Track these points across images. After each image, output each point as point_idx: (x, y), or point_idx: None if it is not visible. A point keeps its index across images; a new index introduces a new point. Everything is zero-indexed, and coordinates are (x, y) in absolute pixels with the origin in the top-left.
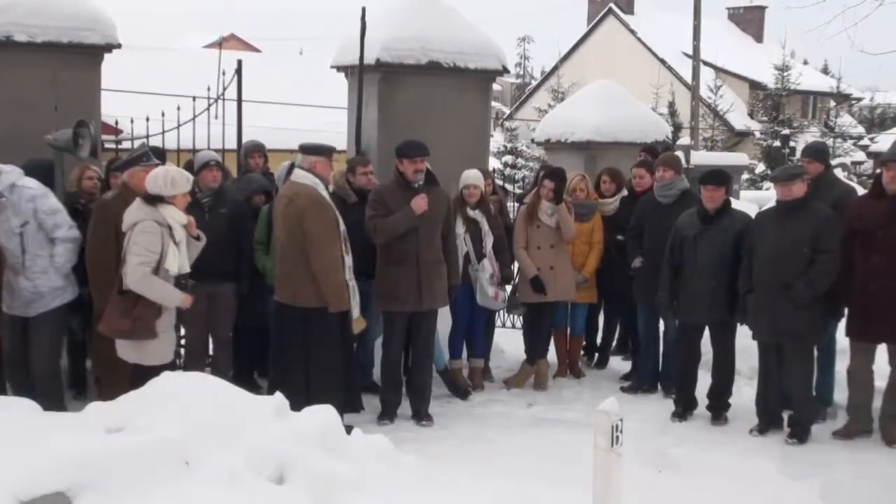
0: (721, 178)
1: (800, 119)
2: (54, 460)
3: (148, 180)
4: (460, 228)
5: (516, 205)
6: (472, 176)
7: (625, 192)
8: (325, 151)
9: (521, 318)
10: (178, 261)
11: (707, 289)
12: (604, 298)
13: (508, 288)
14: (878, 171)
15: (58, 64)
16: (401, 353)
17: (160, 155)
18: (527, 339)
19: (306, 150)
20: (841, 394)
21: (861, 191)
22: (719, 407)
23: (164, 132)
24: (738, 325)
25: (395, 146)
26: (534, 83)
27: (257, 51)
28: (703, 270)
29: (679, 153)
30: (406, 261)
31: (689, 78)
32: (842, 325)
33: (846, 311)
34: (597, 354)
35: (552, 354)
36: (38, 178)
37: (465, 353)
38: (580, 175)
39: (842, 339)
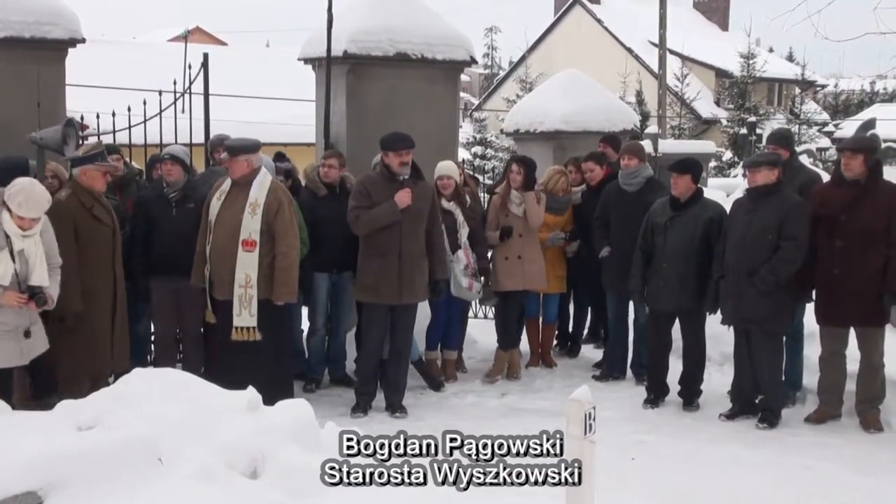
0: (684, 166)
1: (766, 106)
2: (25, 460)
3: None
4: None
5: (487, 195)
6: (444, 167)
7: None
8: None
9: (493, 308)
10: (8, 269)
11: (675, 276)
12: (573, 287)
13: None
14: (839, 157)
15: (20, 59)
16: (380, 345)
17: (114, 151)
18: (499, 328)
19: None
20: (810, 378)
21: (826, 177)
22: (690, 394)
23: (130, 127)
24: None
25: (365, 138)
26: (502, 73)
27: (223, 44)
28: (672, 257)
29: (647, 142)
30: (388, 253)
31: (655, 67)
32: (811, 311)
33: (814, 296)
34: (569, 343)
35: (524, 344)
36: (12, 176)
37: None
38: (560, 172)
39: (812, 324)
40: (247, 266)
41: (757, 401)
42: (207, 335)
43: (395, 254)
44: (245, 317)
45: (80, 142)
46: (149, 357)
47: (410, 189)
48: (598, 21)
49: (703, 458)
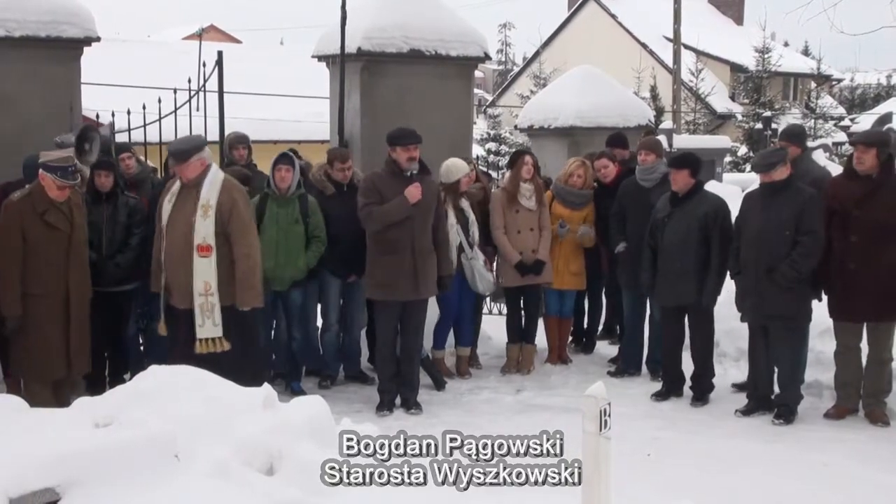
0: (681, 160)
1: (781, 101)
2: (43, 456)
3: None
4: (452, 218)
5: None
6: (462, 166)
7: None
8: None
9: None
10: None
11: (673, 270)
12: (588, 283)
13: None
14: (852, 151)
15: (36, 58)
16: (394, 343)
17: (125, 150)
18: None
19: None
20: (826, 373)
21: (836, 171)
22: (700, 389)
23: (145, 125)
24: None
25: (379, 135)
26: (516, 70)
27: (238, 42)
28: (669, 252)
29: (662, 137)
30: (401, 249)
31: (670, 62)
32: (823, 306)
33: (826, 291)
34: (584, 339)
35: (541, 340)
36: (29, 175)
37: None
38: (579, 161)
39: (825, 320)
40: (205, 273)
41: (773, 396)
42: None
43: (409, 249)
44: (209, 327)
45: (112, 146)
46: None
47: (419, 183)
48: (612, 16)
49: (719, 455)
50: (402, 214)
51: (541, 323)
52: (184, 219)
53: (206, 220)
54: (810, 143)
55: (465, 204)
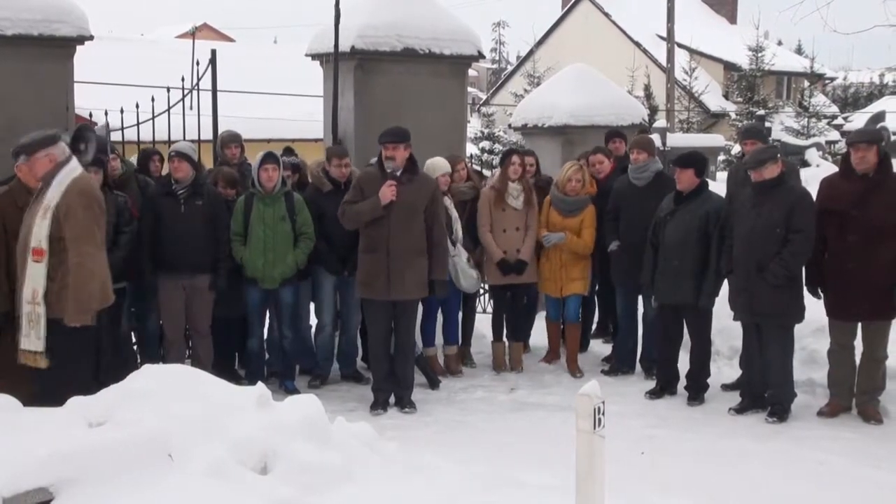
0: (687, 160)
1: (774, 99)
2: (37, 456)
3: None
4: None
5: None
6: (442, 165)
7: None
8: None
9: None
10: None
11: (671, 269)
12: None
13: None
14: (846, 150)
15: (29, 56)
16: (384, 341)
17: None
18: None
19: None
20: (819, 372)
21: (833, 169)
22: (696, 388)
23: (138, 124)
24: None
25: (373, 133)
26: (510, 68)
27: (231, 40)
28: (669, 251)
29: (655, 136)
30: (377, 249)
31: (664, 60)
32: (819, 305)
33: (823, 290)
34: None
35: (542, 339)
36: None
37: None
38: (577, 165)
39: (820, 318)
40: (34, 279)
41: (766, 394)
42: None
43: (384, 250)
44: (32, 339)
45: (108, 145)
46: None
47: (397, 184)
48: (606, 15)
49: (713, 453)
50: (373, 214)
51: (543, 324)
52: (28, 220)
53: (43, 222)
54: (804, 142)
55: (447, 202)
